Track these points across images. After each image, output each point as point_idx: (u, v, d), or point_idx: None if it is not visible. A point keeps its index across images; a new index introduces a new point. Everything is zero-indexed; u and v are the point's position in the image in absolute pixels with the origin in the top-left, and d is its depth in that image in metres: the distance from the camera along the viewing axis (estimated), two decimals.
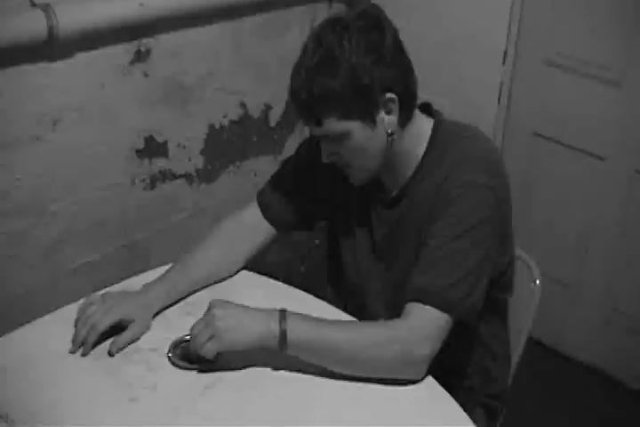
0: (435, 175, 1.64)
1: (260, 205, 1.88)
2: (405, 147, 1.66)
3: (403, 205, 1.71)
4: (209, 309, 1.54)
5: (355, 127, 1.56)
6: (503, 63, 2.82)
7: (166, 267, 1.81)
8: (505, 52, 2.79)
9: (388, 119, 1.59)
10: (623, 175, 2.71)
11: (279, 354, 1.51)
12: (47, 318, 1.69)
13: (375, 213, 1.76)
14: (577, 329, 3.02)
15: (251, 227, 1.87)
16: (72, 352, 1.58)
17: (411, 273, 1.58)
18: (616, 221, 2.78)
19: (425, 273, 1.56)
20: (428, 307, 1.51)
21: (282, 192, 1.86)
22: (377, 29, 1.54)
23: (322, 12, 3.22)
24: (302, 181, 1.85)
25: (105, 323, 1.58)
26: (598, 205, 2.78)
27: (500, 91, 2.87)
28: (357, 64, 1.50)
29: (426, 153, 1.67)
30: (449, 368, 1.67)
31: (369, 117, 1.56)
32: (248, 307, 1.55)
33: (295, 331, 1.49)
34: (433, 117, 1.71)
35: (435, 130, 1.68)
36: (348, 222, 1.82)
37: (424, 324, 1.51)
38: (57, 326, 1.65)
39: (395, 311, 1.57)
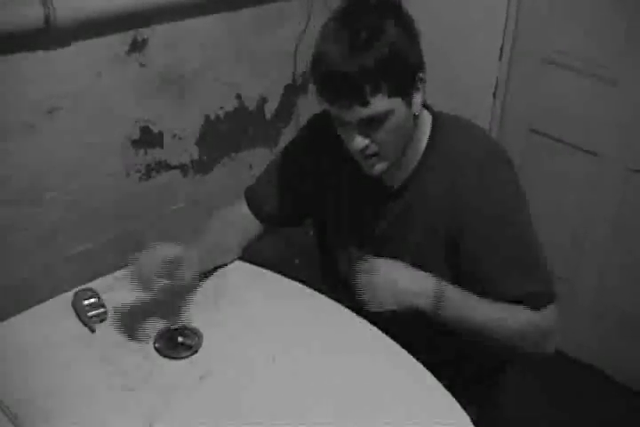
0: (442, 170, 1.64)
1: (248, 199, 1.95)
2: (414, 136, 1.66)
3: (406, 198, 1.70)
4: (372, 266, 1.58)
5: (398, 105, 1.54)
6: (500, 59, 2.82)
7: None
8: (501, 49, 2.79)
9: (416, 100, 1.59)
10: (617, 172, 2.71)
11: (276, 344, 1.52)
12: (42, 306, 1.69)
13: (371, 207, 1.75)
14: (570, 324, 3.02)
15: (240, 219, 1.93)
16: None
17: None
18: (610, 218, 2.78)
19: (510, 278, 1.61)
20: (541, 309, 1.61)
21: (269, 188, 1.91)
22: (402, 8, 1.57)
23: (318, 5, 3.22)
24: (289, 177, 1.89)
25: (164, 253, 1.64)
26: (592, 201, 2.78)
27: (496, 87, 2.86)
28: (402, 39, 1.51)
29: (429, 145, 1.67)
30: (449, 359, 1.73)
31: (409, 96, 1.56)
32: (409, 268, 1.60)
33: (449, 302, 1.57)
34: (429, 110, 1.71)
35: (434, 122, 1.69)
36: (339, 217, 1.82)
37: (550, 322, 1.62)
38: (52, 315, 1.66)
39: None
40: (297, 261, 3.26)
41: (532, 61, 2.80)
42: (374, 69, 1.47)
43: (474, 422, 1.45)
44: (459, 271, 1.65)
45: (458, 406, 1.48)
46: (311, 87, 3.39)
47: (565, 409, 2.75)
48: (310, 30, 3.19)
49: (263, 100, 3.22)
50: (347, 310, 1.70)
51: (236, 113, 3.12)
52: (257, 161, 3.30)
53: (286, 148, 1.94)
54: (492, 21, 2.80)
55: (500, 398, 1.95)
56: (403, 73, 1.53)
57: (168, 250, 1.66)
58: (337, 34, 1.49)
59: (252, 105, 3.18)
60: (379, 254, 1.68)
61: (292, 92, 3.33)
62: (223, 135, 3.11)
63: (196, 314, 1.66)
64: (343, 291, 1.83)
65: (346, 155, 1.65)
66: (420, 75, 1.58)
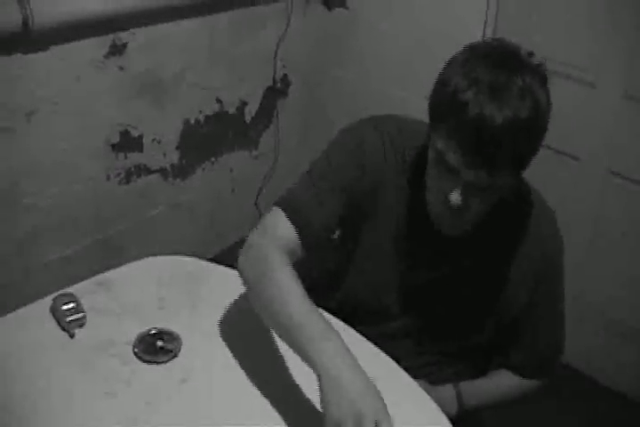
0: (506, 226, 1.61)
1: (295, 222, 1.56)
2: None
3: (468, 248, 1.63)
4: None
5: (513, 181, 1.45)
6: None
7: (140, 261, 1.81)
8: None
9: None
10: (597, 175, 2.72)
11: (256, 347, 1.52)
12: (21, 311, 1.68)
13: (422, 249, 1.66)
14: None
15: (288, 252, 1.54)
16: None
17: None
18: (590, 221, 2.80)
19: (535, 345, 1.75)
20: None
21: (321, 207, 1.59)
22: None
23: (298, 8, 3.22)
24: (345, 184, 1.61)
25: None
26: (572, 204, 2.79)
27: None
28: (547, 112, 1.38)
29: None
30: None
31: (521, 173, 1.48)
32: None
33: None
34: None
35: None
36: (378, 245, 1.69)
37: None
38: (31, 320, 1.64)
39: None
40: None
41: None
42: (531, 149, 1.38)
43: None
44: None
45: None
46: (295, 91, 3.40)
47: (544, 410, 2.75)
48: (290, 33, 3.20)
49: (243, 104, 3.22)
50: (327, 314, 1.70)
51: (216, 117, 3.13)
52: (237, 165, 3.31)
53: (348, 149, 1.64)
54: (471, 25, 2.82)
55: None
56: (536, 153, 1.41)
57: None
58: (495, 91, 1.31)
59: (231, 108, 3.18)
60: (414, 296, 1.71)
61: (272, 95, 3.34)
62: (203, 139, 3.12)
63: (175, 318, 1.65)
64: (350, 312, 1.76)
65: (416, 185, 1.57)
66: None
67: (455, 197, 1.41)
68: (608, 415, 2.83)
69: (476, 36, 2.79)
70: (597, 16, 2.56)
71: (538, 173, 2.81)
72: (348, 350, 1.31)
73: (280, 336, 1.44)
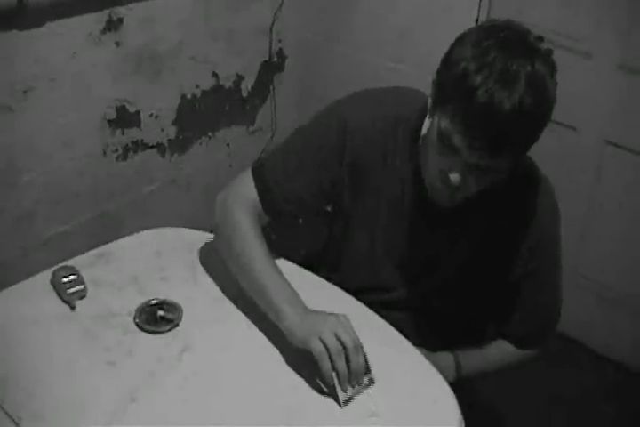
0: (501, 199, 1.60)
1: (258, 187, 1.68)
2: None
3: (463, 220, 1.64)
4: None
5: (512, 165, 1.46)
6: None
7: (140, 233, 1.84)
8: (477, 21, 2.79)
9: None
10: (594, 145, 2.73)
11: (256, 317, 1.54)
12: (21, 284, 1.69)
13: (418, 222, 1.68)
14: None
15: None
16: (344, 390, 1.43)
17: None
18: (587, 191, 2.80)
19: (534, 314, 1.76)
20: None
21: (287, 179, 1.67)
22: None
23: None
24: (323, 161, 1.66)
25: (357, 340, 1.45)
26: (570, 175, 2.80)
27: None
28: (554, 99, 1.40)
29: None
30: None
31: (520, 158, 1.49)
32: None
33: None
34: None
35: None
36: (370, 219, 1.71)
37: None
38: (32, 293, 1.65)
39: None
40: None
41: None
42: (535, 136, 1.41)
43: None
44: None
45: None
46: (290, 65, 3.39)
47: (539, 378, 2.77)
48: (286, 7, 3.19)
49: (239, 78, 3.22)
50: (331, 285, 1.71)
51: (213, 91, 3.12)
52: (234, 139, 3.30)
53: (328, 124, 1.67)
54: None
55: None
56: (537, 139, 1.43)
57: None
58: (505, 77, 1.31)
59: (228, 83, 3.18)
60: (415, 267, 1.73)
61: (269, 69, 3.34)
62: (200, 114, 3.12)
63: (176, 289, 1.66)
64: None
65: (407, 158, 1.60)
66: None
67: (455, 176, 1.43)
68: (605, 384, 2.86)
69: (472, 6, 2.79)
70: None
71: (534, 144, 2.85)
72: (306, 309, 1.49)
73: (242, 284, 1.59)
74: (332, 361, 1.40)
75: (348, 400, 1.42)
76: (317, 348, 1.41)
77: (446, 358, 1.76)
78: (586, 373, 2.91)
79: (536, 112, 1.34)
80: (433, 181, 1.51)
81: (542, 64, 1.35)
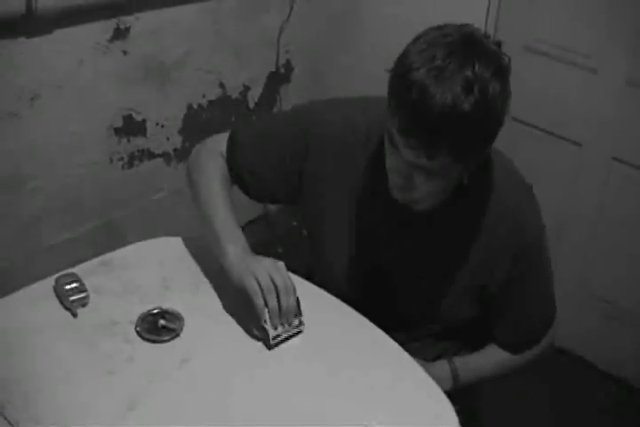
0: (477, 201, 1.60)
1: (228, 150, 1.79)
2: None
3: (437, 224, 1.62)
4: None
5: (456, 171, 1.45)
6: None
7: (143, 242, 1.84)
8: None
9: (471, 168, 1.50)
10: (600, 162, 2.73)
11: (253, 328, 1.55)
12: (23, 291, 1.69)
13: (389, 224, 1.67)
14: None
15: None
16: (274, 327, 1.54)
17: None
18: (592, 208, 2.80)
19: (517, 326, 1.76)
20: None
21: (260, 157, 1.74)
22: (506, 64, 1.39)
23: None
24: (293, 152, 1.71)
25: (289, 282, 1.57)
26: (575, 191, 2.80)
27: None
28: (503, 104, 1.35)
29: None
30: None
31: (470, 165, 1.47)
32: None
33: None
34: None
35: None
36: (342, 221, 1.72)
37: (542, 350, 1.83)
38: (34, 299, 1.65)
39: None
40: (280, 249, 3.26)
41: (515, 50, 2.81)
42: (474, 141, 1.37)
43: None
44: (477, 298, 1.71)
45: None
46: (297, 76, 3.40)
47: (542, 395, 2.76)
48: (293, 18, 3.19)
49: (246, 89, 3.22)
50: (329, 295, 1.71)
51: (220, 101, 3.13)
52: None
53: (304, 115, 1.76)
54: (475, 9, 2.81)
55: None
56: (487, 145, 1.42)
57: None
58: (442, 75, 1.30)
59: (235, 93, 3.19)
60: (388, 274, 1.72)
61: (276, 80, 3.34)
62: (206, 124, 3.12)
63: (178, 298, 1.66)
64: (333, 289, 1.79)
65: (376, 161, 1.59)
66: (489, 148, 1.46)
67: (397, 175, 1.47)
68: (607, 401, 2.85)
69: (480, 21, 2.79)
70: (599, 1, 2.56)
71: (540, 159, 2.85)
72: (246, 251, 1.62)
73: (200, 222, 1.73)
74: (264, 299, 1.52)
75: (277, 338, 1.54)
76: (251, 285, 1.52)
77: (442, 366, 1.75)
78: (590, 390, 2.90)
79: (473, 113, 1.30)
80: (390, 182, 1.52)
81: (486, 67, 1.31)
